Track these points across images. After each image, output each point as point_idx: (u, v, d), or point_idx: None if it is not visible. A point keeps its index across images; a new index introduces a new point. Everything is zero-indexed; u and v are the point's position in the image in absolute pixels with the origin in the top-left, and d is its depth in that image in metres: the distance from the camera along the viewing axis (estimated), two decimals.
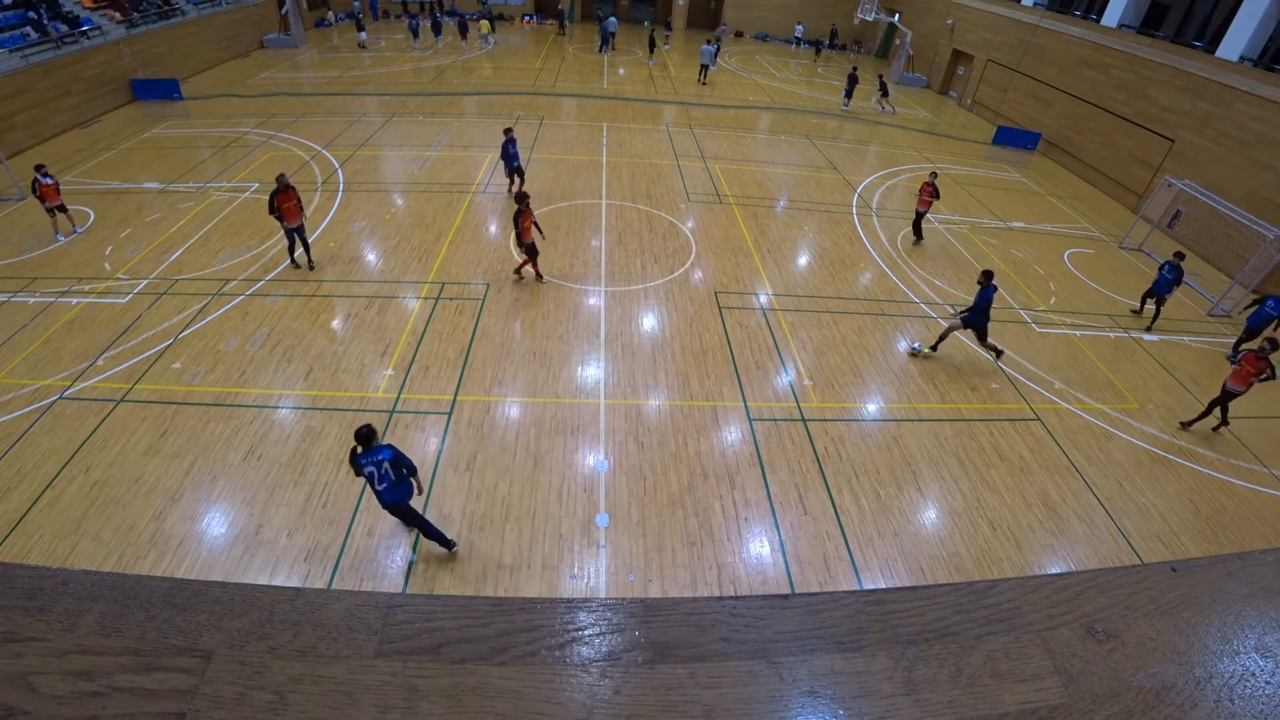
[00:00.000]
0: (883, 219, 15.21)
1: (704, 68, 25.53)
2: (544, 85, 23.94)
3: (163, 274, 10.69)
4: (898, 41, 31.48)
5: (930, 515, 7.52)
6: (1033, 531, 7.42)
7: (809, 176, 17.42)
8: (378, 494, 5.81)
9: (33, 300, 9.84)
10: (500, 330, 9.88)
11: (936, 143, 22.00)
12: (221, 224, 12.39)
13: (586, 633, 0.80)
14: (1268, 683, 0.80)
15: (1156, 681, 0.79)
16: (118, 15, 19.80)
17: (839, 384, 9.44)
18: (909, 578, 6.70)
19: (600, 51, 29.68)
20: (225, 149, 16.02)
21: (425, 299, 10.52)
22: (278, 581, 6.11)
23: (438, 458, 7.57)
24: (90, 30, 18.38)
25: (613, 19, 30.62)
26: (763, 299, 11.38)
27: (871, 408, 9.11)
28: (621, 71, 27.27)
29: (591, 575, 6.44)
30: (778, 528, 7.10)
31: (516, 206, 10.33)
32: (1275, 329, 9.91)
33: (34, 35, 16.93)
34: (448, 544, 6.37)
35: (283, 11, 27.21)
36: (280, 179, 10.20)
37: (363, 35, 28.01)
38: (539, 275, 11.17)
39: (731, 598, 0.86)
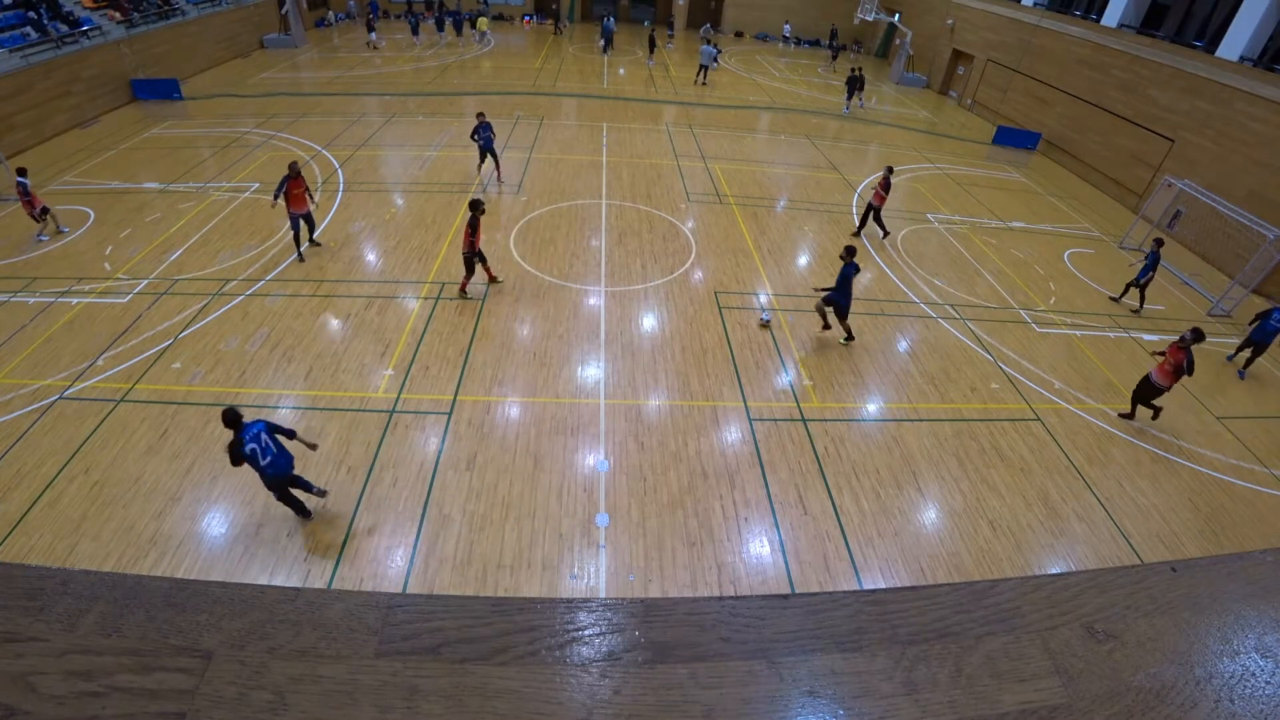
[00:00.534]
0: (882, 219, 15.19)
1: (702, 68, 25.54)
2: (544, 85, 23.95)
3: (163, 274, 10.69)
4: (898, 41, 31.48)
5: (930, 515, 7.52)
6: (1033, 531, 7.42)
7: (809, 176, 17.42)
8: (263, 469, 5.93)
9: (33, 300, 9.85)
10: (500, 330, 9.88)
11: (936, 143, 22.00)
12: (221, 224, 12.39)
13: (586, 633, 0.80)
14: (1268, 683, 0.80)
15: (1156, 681, 0.79)
16: (118, 15, 19.79)
17: (839, 384, 9.44)
18: (909, 578, 6.70)
19: (604, 53, 29.69)
20: (225, 149, 16.02)
21: (425, 299, 10.52)
22: (278, 581, 6.11)
23: (438, 458, 7.57)
24: (90, 30, 18.38)
25: (611, 19, 30.68)
26: (763, 299, 11.38)
27: (871, 408, 9.11)
28: (621, 71, 27.27)
29: (591, 575, 6.44)
30: (778, 528, 7.10)
31: (470, 213, 9.84)
32: None
33: (34, 35, 16.93)
34: (305, 513, 6.64)
35: (283, 11, 27.20)
36: (293, 166, 10.75)
37: (373, 35, 28.03)
38: (489, 276, 10.81)
39: (731, 598, 0.86)
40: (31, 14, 17.47)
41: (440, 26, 30.88)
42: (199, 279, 10.61)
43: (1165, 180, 16.03)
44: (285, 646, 0.75)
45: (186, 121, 17.97)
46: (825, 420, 8.72)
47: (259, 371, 8.68)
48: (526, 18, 36.08)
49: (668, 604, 0.84)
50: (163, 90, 19.62)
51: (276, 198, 10.69)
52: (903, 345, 10.52)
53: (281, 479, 6.12)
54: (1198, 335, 8.55)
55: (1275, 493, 8.48)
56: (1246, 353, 10.86)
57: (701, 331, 10.27)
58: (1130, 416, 9.40)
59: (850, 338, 10.29)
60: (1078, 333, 11.49)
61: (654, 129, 19.97)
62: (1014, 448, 8.61)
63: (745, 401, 8.88)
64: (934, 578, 6.73)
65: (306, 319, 9.81)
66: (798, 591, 6.11)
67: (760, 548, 6.88)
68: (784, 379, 9.43)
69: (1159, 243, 12.12)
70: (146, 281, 10.46)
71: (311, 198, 10.89)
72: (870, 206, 13.72)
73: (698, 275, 11.94)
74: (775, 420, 8.62)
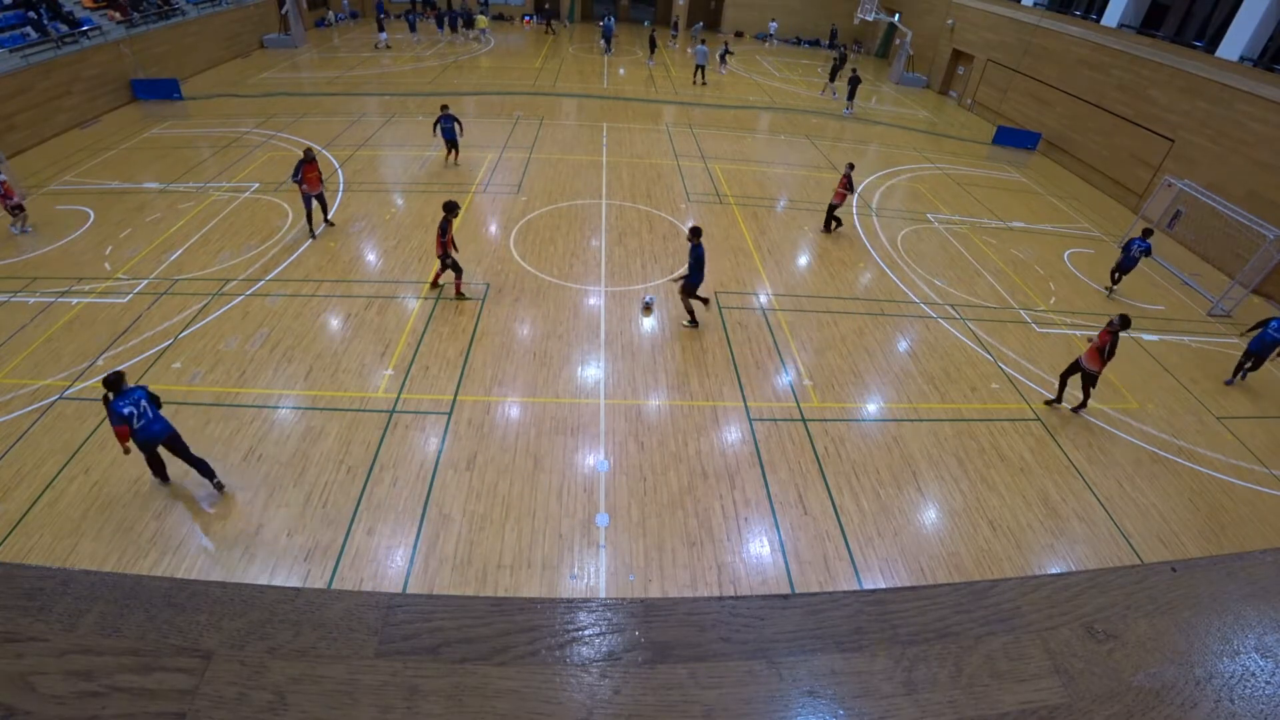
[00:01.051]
0: (883, 219, 15.22)
1: (699, 68, 25.55)
2: (544, 85, 23.95)
3: (163, 274, 10.69)
4: (898, 41, 31.48)
5: (930, 515, 7.52)
6: (1033, 531, 7.42)
7: (809, 177, 17.42)
8: (140, 430, 6.24)
9: (33, 300, 9.84)
10: (500, 330, 9.88)
11: (936, 143, 22.00)
12: (221, 224, 12.39)
13: (586, 633, 0.80)
14: (1268, 683, 0.80)
15: (1156, 681, 0.79)
16: (118, 15, 19.80)
17: (839, 384, 9.44)
18: (909, 578, 6.70)
19: (606, 53, 29.73)
20: (225, 149, 16.02)
21: (425, 299, 10.52)
22: (278, 581, 6.11)
23: (438, 458, 7.57)
24: (90, 30, 18.38)
25: (610, 19, 30.74)
26: (763, 299, 11.38)
27: (871, 408, 9.11)
28: (621, 71, 27.27)
29: (591, 575, 6.44)
30: (778, 528, 7.10)
31: (444, 215, 9.82)
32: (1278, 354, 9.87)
33: (34, 35, 16.93)
34: (213, 478, 6.83)
35: (283, 11, 27.21)
36: (308, 152, 11.57)
37: (383, 35, 28.07)
38: (435, 282, 10.69)
39: (731, 598, 0.86)
40: (31, 14, 17.48)
41: (441, 25, 31.02)
42: (199, 279, 10.61)
43: (1165, 180, 16.03)
44: (285, 646, 0.75)
45: (186, 121, 17.97)
46: (825, 420, 8.72)
47: (259, 371, 8.68)
48: (526, 18, 36.10)
49: (668, 604, 0.84)
50: (163, 90, 19.62)
51: (294, 177, 11.46)
52: (903, 345, 10.52)
53: (151, 442, 6.42)
54: (1125, 321, 8.59)
55: (1275, 493, 8.48)
56: (1245, 367, 10.51)
57: (702, 331, 10.26)
58: (1057, 401, 9.37)
59: (694, 323, 10.28)
60: (1078, 333, 11.49)
61: (654, 129, 19.97)
62: (1014, 448, 8.61)
63: (745, 401, 8.88)
64: (934, 578, 6.73)
65: (306, 319, 9.81)
66: (798, 591, 6.11)
67: (760, 548, 6.88)
68: (784, 379, 9.43)
69: (1148, 233, 12.49)
70: (146, 281, 10.46)
71: (322, 180, 11.66)
72: (830, 205, 13.77)
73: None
74: (775, 420, 8.62)
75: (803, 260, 13.05)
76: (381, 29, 28.12)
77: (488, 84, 23.62)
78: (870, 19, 29.30)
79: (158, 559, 6.24)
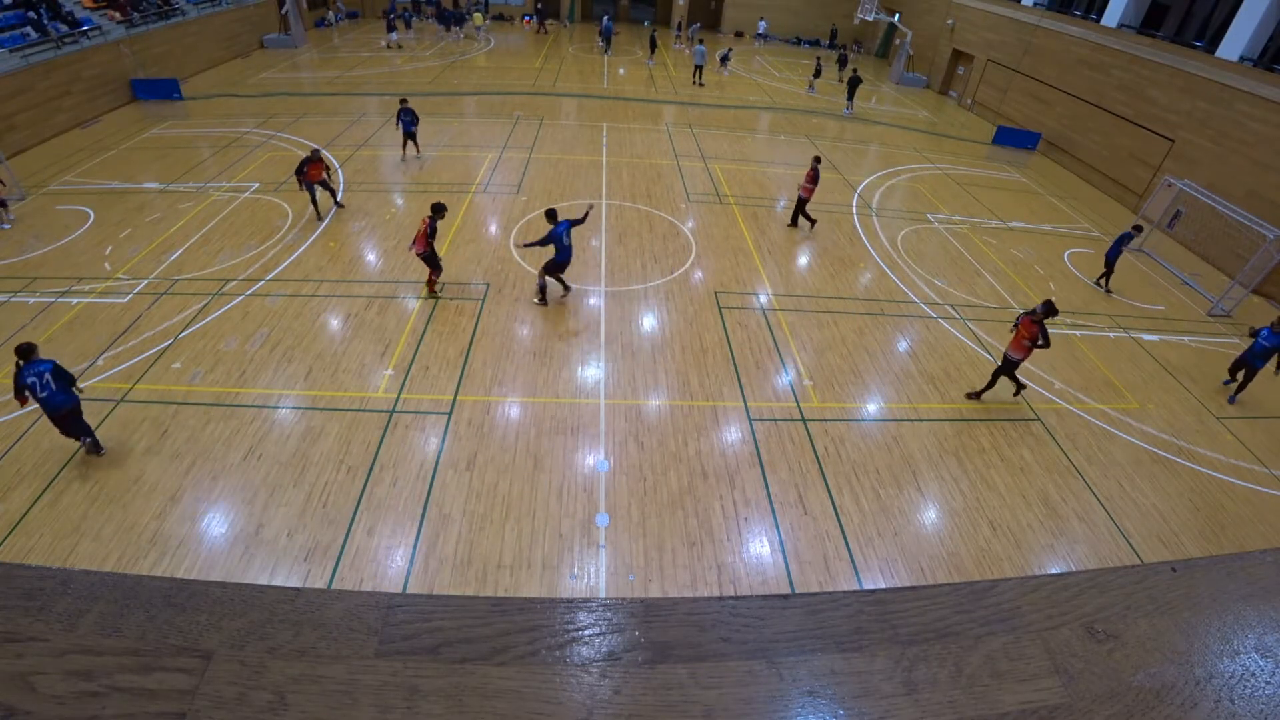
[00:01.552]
0: (883, 219, 15.22)
1: (698, 69, 25.57)
2: (544, 85, 23.95)
3: (163, 274, 10.69)
4: (898, 41, 31.49)
5: (930, 515, 7.52)
6: (1033, 531, 7.42)
7: None
8: (42, 402, 6.57)
9: (33, 300, 9.84)
10: (500, 330, 9.88)
11: (936, 143, 22.00)
12: (221, 224, 12.39)
13: (586, 633, 0.80)
14: (1268, 683, 0.80)
15: (1156, 681, 0.79)
16: (118, 15, 19.79)
17: (839, 384, 9.44)
18: (909, 578, 6.70)
19: (606, 53, 29.76)
20: (225, 149, 16.02)
21: (425, 299, 10.52)
22: (278, 581, 6.11)
23: (438, 458, 7.57)
24: (90, 30, 18.38)
25: (607, 19, 30.82)
26: (763, 299, 11.38)
27: (871, 408, 9.11)
28: (621, 71, 27.28)
29: (591, 575, 6.44)
30: (778, 528, 7.10)
31: (431, 215, 9.91)
32: (1276, 363, 9.75)
33: (34, 35, 16.93)
34: (98, 447, 7.25)
35: (283, 11, 27.21)
36: (315, 152, 12.06)
37: (393, 35, 28.10)
38: (431, 287, 10.58)
39: (731, 598, 0.86)
40: (31, 14, 17.47)
41: (443, 22, 31.23)
42: (199, 279, 10.61)
43: (1165, 180, 16.04)
44: (285, 646, 0.75)
45: (186, 121, 17.97)
46: (825, 420, 8.72)
47: (259, 371, 8.68)
48: (526, 18, 36.09)
49: (668, 604, 0.84)
50: (163, 90, 19.62)
51: (297, 171, 11.99)
52: (903, 345, 10.52)
53: (66, 411, 6.75)
54: (1049, 308, 8.49)
55: (1275, 493, 8.48)
56: (1239, 377, 10.23)
57: (701, 331, 10.27)
58: (1020, 388, 9.27)
59: (543, 300, 10.47)
60: (1077, 333, 11.49)
61: (654, 129, 19.97)
62: (1014, 447, 8.61)
63: (745, 401, 8.88)
64: (934, 578, 6.73)
65: (306, 319, 9.81)
66: (798, 591, 6.11)
67: (760, 548, 6.88)
68: (784, 379, 9.43)
69: (1138, 228, 12.64)
70: (146, 281, 10.46)
71: (328, 174, 12.38)
72: (799, 199, 13.76)
73: (698, 275, 11.94)
74: (775, 420, 8.62)
75: (803, 260, 13.05)
76: (391, 28, 28.15)
77: (488, 84, 23.62)
78: (870, 19, 29.31)
79: (158, 559, 6.24)
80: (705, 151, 18.39)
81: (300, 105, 19.69)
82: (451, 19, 31.00)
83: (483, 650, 0.76)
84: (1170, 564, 0.96)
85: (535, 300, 10.51)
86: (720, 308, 10.94)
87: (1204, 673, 0.81)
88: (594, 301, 10.81)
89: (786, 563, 6.73)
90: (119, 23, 19.60)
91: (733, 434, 8.32)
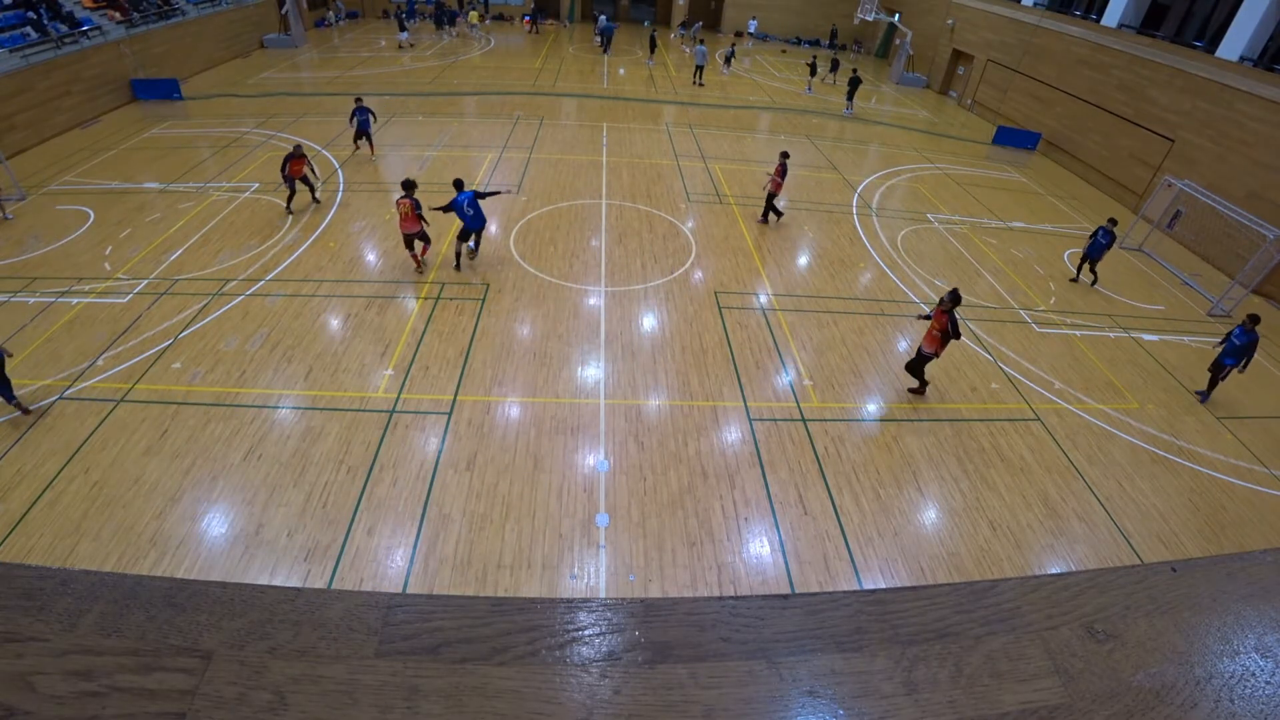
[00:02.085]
0: (883, 219, 15.22)
1: (699, 69, 25.58)
2: (544, 85, 23.95)
3: (163, 274, 10.69)
4: (898, 41, 31.49)
5: (930, 515, 7.52)
6: (1033, 531, 7.42)
7: (809, 176, 17.42)
8: None
9: (33, 300, 9.84)
10: (500, 330, 9.88)
11: (936, 143, 22.01)
12: (221, 224, 12.39)
13: (586, 633, 0.80)
14: (1268, 683, 0.80)
15: (1156, 681, 0.79)
16: (118, 15, 19.79)
17: (839, 384, 9.44)
18: (909, 578, 6.70)
19: (605, 53, 29.80)
20: (225, 149, 16.02)
21: (425, 299, 10.52)
22: (278, 581, 6.11)
23: (438, 458, 7.57)
24: (90, 30, 18.37)
25: (603, 17, 30.88)
26: (763, 299, 11.38)
27: (871, 408, 9.11)
28: (621, 71, 27.28)
29: (591, 575, 6.44)
30: (778, 528, 7.10)
31: (408, 193, 10.53)
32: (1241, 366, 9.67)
33: (34, 35, 16.92)
34: (23, 408, 7.65)
35: (283, 11, 27.21)
36: (297, 148, 12.27)
37: (404, 35, 28.14)
38: (417, 261, 11.25)
39: (731, 598, 0.86)
40: (31, 14, 17.47)
41: (439, 22, 31.27)
42: (199, 279, 10.61)
43: (1165, 180, 16.04)
44: (285, 646, 0.75)
45: (186, 121, 17.97)
46: (825, 420, 8.73)
47: (259, 371, 8.68)
48: (526, 17, 36.10)
49: (668, 604, 0.84)
50: (163, 90, 19.61)
51: (282, 170, 12.20)
52: (903, 345, 10.52)
53: None
54: (955, 297, 8.44)
55: (1275, 493, 8.48)
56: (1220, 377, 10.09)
57: (701, 331, 10.27)
58: (920, 391, 9.26)
59: (457, 266, 11.25)
60: (1078, 333, 11.50)
61: (654, 129, 19.97)
62: (1014, 448, 8.61)
63: (745, 401, 8.88)
64: (934, 578, 6.73)
65: (306, 319, 9.81)
66: (798, 591, 6.12)
67: (760, 548, 6.88)
68: (784, 379, 9.43)
69: (1113, 221, 12.58)
70: (146, 281, 10.46)
71: (313, 170, 12.69)
72: (768, 194, 13.79)
73: (698, 275, 11.94)
74: (775, 420, 8.62)
75: (803, 260, 13.05)
76: (403, 28, 28.22)
77: (488, 84, 23.62)
78: (870, 19, 29.31)
79: (158, 559, 6.24)
80: (705, 151, 18.39)
81: (300, 105, 19.68)
82: (444, 18, 30.99)
83: (483, 650, 0.76)
84: (1170, 564, 0.96)
85: (454, 268, 11.37)
86: (720, 308, 10.94)
87: (1204, 673, 0.81)
88: (594, 301, 10.81)
89: (786, 563, 6.73)
90: (119, 23, 19.60)
91: (733, 434, 8.32)
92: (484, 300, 10.59)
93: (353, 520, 6.75)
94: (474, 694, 0.72)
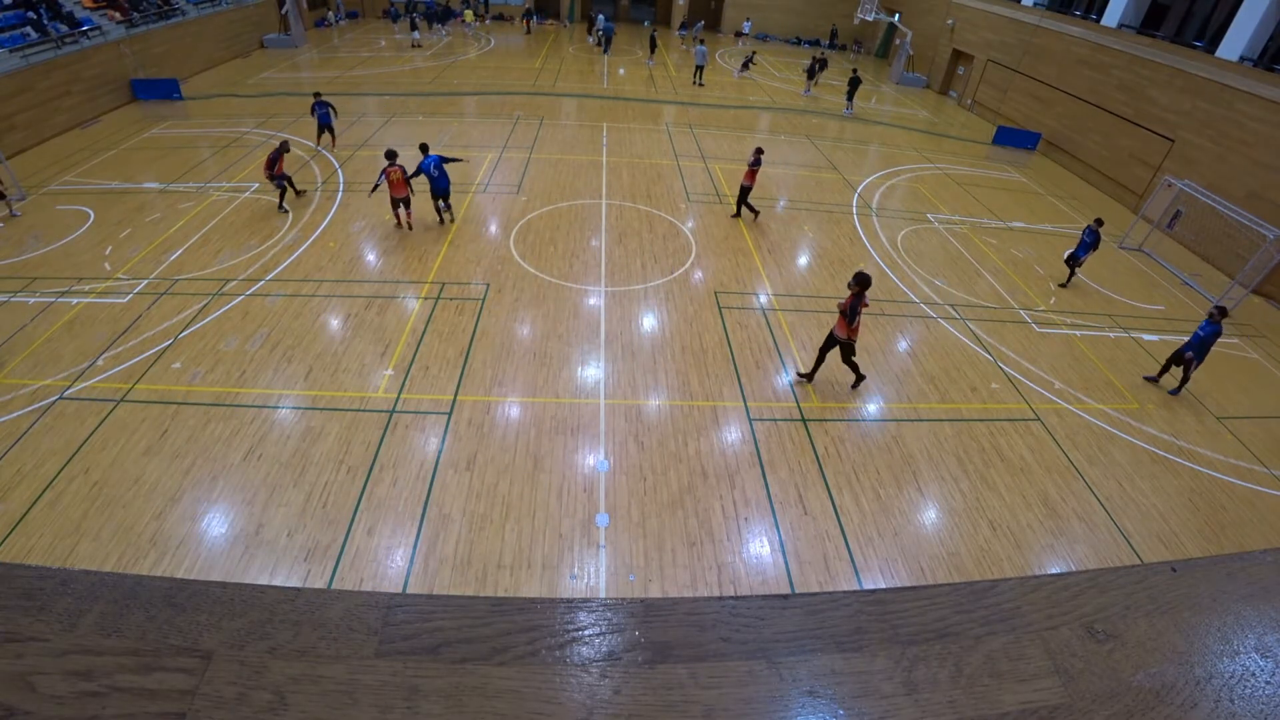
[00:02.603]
0: (883, 219, 15.22)
1: (699, 69, 25.59)
2: (544, 85, 23.95)
3: (163, 274, 10.69)
4: (898, 41, 31.49)
5: (930, 515, 7.52)
6: (1033, 531, 7.42)
7: (809, 176, 17.43)
8: None
9: (33, 300, 9.85)
10: (500, 330, 9.88)
11: (936, 143, 22.00)
12: (221, 224, 12.39)
13: (586, 633, 0.80)
14: (1268, 683, 0.80)
15: (1156, 681, 0.79)
16: (118, 15, 19.79)
17: (839, 384, 9.44)
18: (909, 578, 6.70)
19: (605, 53, 29.82)
20: (225, 149, 16.02)
21: (425, 299, 10.52)
22: (278, 581, 6.11)
23: (438, 458, 7.57)
24: (90, 30, 18.37)
25: (601, 17, 30.92)
26: (762, 299, 11.38)
27: (871, 408, 9.11)
28: (621, 71, 27.28)
29: (591, 575, 6.44)
30: (778, 528, 7.10)
31: (391, 163, 11.76)
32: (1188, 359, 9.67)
33: (34, 35, 16.92)
34: None
35: (283, 11, 27.21)
36: (284, 144, 12.66)
37: (415, 34, 28.15)
38: (406, 223, 12.56)
39: (731, 598, 0.86)
40: (31, 14, 17.47)
41: (431, 21, 31.36)
42: (199, 279, 10.61)
43: (1165, 180, 16.04)
44: (285, 646, 0.75)
45: (186, 121, 17.97)
46: (825, 420, 8.73)
47: (259, 371, 8.68)
48: (526, 17, 36.11)
49: (668, 604, 0.84)
50: (163, 90, 19.61)
51: (269, 166, 12.41)
52: (903, 345, 10.52)
53: None
54: (861, 279, 8.38)
55: (1275, 493, 8.48)
56: (1177, 372, 10.05)
57: (701, 331, 10.27)
58: (809, 378, 9.19)
59: (409, 227, 12.46)
60: (1078, 333, 11.50)
61: (654, 129, 19.97)
62: (1014, 448, 8.61)
63: (745, 401, 8.88)
64: (934, 578, 6.73)
65: (306, 319, 9.81)
66: (798, 591, 6.12)
67: (760, 548, 6.88)
68: (784, 379, 9.43)
69: (1099, 221, 12.55)
70: (146, 281, 10.46)
71: (270, 169, 12.89)
72: (742, 188, 13.79)
73: (698, 275, 11.95)
74: (775, 420, 8.62)
75: (803, 260, 13.05)
76: (414, 27, 28.24)
77: (488, 84, 23.62)
78: (870, 19, 29.31)
79: (158, 559, 6.24)
80: (705, 151, 18.39)
81: (300, 105, 19.64)
82: (435, 18, 30.90)
83: (483, 650, 0.76)
84: (1170, 564, 0.96)
85: (439, 223, 12.81)
86: (720, 308, 10.94)
87: (1204, 673, 0.81)
88: (594, 301, 10.81)
89: (786, 563, 6.73)
90: (119, 23, 19.60)
91: (733, 434, 8.32)
92: (484, 300, 10.59)
93: (353, 520, 6.75)
94: (474, 694, 0.72)
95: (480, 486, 7.25)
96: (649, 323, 10.42)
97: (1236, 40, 15.87)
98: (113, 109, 18.61)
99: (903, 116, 24.83)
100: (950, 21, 28.11)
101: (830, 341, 8.91)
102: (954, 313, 11.61)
